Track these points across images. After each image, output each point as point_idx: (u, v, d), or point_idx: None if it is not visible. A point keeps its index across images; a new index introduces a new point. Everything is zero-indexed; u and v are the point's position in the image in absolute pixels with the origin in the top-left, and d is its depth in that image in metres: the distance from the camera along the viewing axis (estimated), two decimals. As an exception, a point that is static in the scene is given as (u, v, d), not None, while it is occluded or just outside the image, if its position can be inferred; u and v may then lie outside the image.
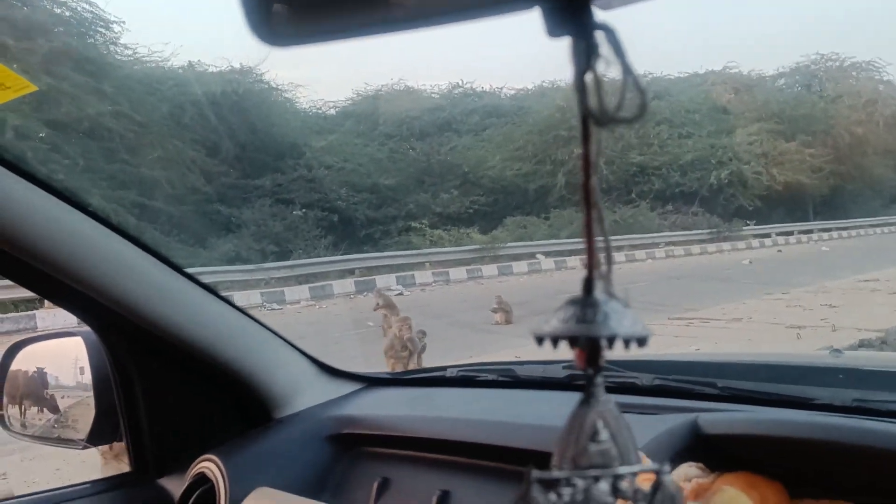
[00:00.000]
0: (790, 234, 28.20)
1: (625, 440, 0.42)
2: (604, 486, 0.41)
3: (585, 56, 0.40)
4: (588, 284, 0.41)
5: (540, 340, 0.41)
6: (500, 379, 1.51)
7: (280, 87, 26.59)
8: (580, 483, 0.40)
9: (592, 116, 0.40)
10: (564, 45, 0.40)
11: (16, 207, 1.06)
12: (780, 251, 24.21)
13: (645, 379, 1.30)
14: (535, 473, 0.40)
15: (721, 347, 8.36)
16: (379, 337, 9.21)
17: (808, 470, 0.96)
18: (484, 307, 11.72)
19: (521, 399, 1.39)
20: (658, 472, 0.42)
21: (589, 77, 0.40)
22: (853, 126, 32.29)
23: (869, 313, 9.61)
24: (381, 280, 17.43)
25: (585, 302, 0.41)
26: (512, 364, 1.60)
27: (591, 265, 0.41)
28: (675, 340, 8.65)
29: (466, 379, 1.56)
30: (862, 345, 7.08)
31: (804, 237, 28.22)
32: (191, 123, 22.13)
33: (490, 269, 19.48)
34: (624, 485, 0.41)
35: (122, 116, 20.05)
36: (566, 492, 0.40)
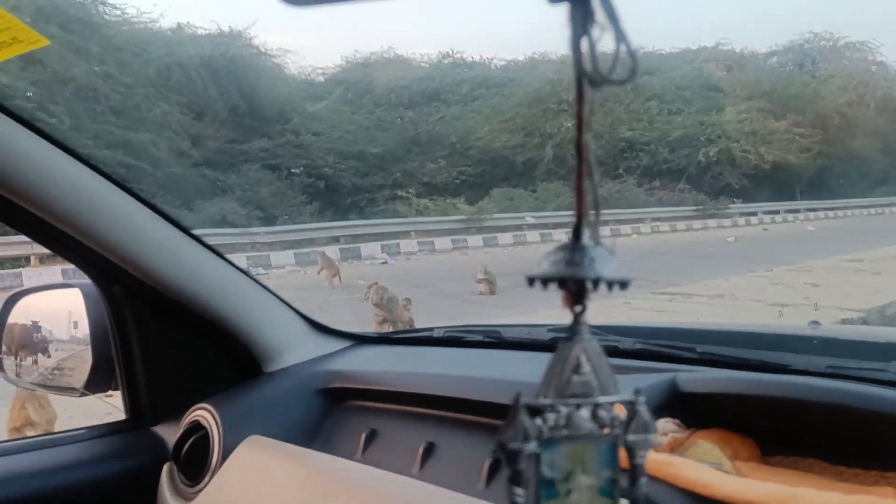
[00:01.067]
0: (776, 213, 28.34)
1: (605, 373, 0.46)
2: (584, 413, 0.45)
3: (582, 20, 0.43)
4: (577, 231, 0.45)
5: (531, 281, 0.44)
6: (486, 340, 1.55)
7: (269, 51, 26.42)
8: (563, 410, 0.44)
9: (587, 77, 0.43)
10: (560, 11, 0.43)
11: (21, 157, 1.08)
12: (765, 230, 24.36)
13: (626, 343, 1.33)
14: (523, 399, 0.44)
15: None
16: (362, 302, 9.23)
17: (780, 428, 1.00)
18: (468, 277, 11.75)
19: (506, 359, 1.43)
20: (634, 403, 0.46)
21: (584, 41, 0.43)
22: (843, 107, 32.33)
23: (851, 293, 9.72)
24: (366, 248, 17.45)
25: (574, 246, 0.44)
26: (498, 326, 1.64)
27: (580, 213, 0.45)
28: (657, 315, 8.73)
29: (453, 339, 1.60)
30: (843, 324, 7.15)
31: (790, 216, 28.36)
32: (178, 86, 21.95)
33: (475, 240, 19.52)
34: (602, 412, 0.45)
35: (109, 77, 19.87)
36: (550, 417, 0.44)
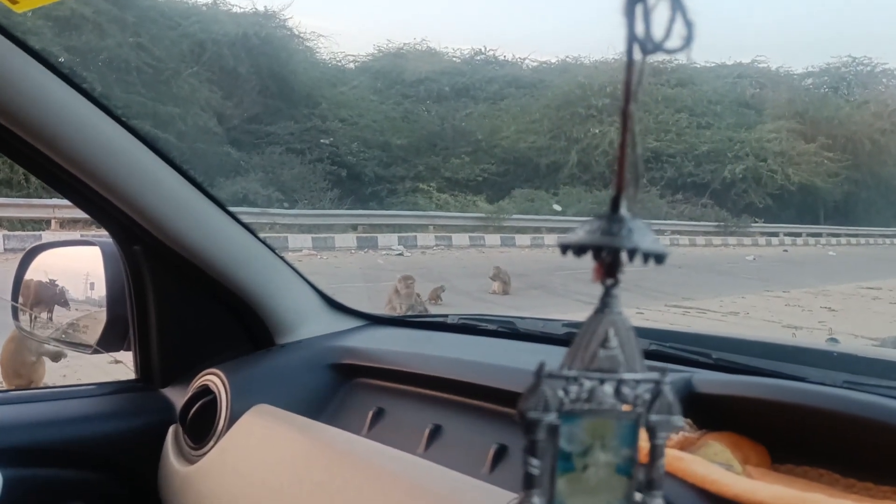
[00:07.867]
0: (798, 235, 28.12)
1: (632, 349, 0.44)
2: (608, 388, 0.43)
3: (638, -15, 0.41)
4: (615, 203, 0.43)
5: (564, 249, 0.43)
6: (500, 329, 1.54)
7: (302, 34, 26.50)
8: (587, 383, 0.43)
9: (638, 43, 0.42)
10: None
11: (57, 109, 1.08)
12: (786, 251, 24.20)
13: (641, 343, 1.32)
14: (547, 369, 0.43)
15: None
16: (376, 293, 9.25)
17: (793, 436, 0.99)
18: (483, 275, 11.72)
19: (518, 349, 1.42)
20: (658, 382, 0.45)
21: (639, 6, 0.42)
22: (876, 134, 31.94)
23: (867, 320, 9.63)
24: (384, 238, 17.47)
25: (612, 216, 0.43)
26: (513, 318, 1.63)
27: (620, 185, 0.44)
28: (669, 328, 8.67)
29: (467, 326, 1.59)
30: (857, 351, 7.07)
31: (812, 240, 28.14)
32: (209, 62, 22.04)
33: (493, 239, 19.50)
34: (626, 389, 0.44)
35: (142, 49, 19.98)
36: (573, 389, 0.43)
